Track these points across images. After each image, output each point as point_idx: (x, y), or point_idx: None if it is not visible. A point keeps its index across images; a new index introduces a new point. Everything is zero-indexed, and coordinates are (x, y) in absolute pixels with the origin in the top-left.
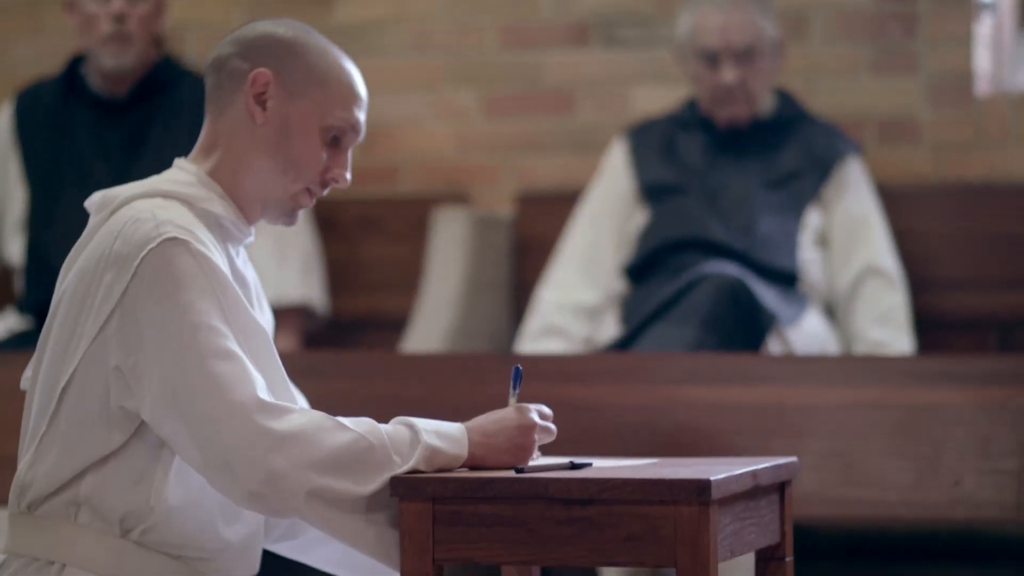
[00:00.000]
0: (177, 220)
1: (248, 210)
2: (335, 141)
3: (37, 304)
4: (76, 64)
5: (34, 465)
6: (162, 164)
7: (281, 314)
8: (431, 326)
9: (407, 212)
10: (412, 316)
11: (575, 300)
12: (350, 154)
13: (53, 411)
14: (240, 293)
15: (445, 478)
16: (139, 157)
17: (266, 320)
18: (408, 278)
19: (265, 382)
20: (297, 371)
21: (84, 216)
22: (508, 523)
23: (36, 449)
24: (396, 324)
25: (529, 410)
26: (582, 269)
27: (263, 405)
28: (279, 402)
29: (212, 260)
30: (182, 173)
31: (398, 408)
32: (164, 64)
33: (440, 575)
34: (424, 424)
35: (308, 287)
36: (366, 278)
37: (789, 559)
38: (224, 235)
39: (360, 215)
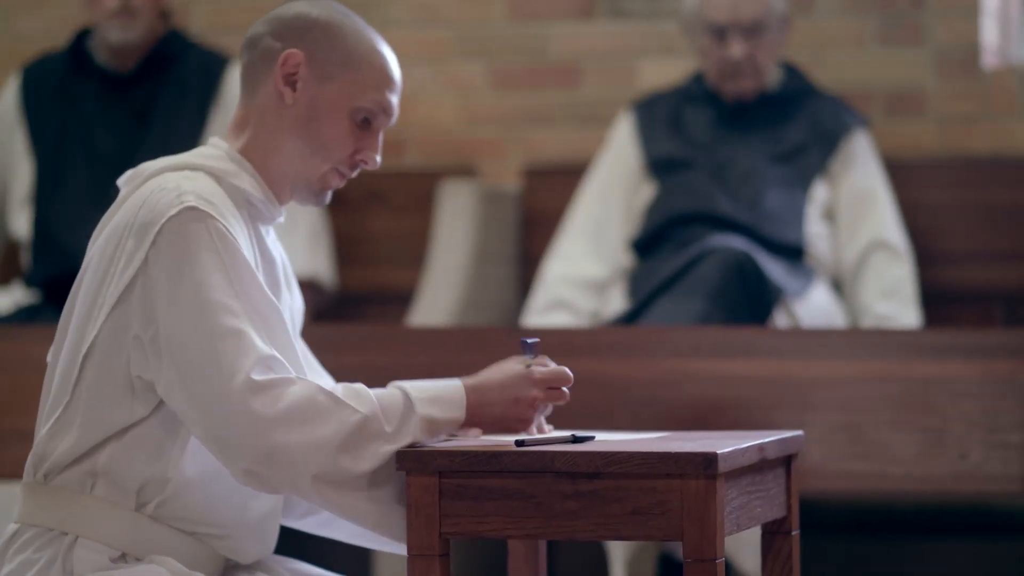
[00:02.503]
0: (201, 192)
1: (278, 190)
2: (366, 123)
3: (43, 278)
4: (82, 38)
5: (54, 436)
6: (169, 137)
7: None
8: (438, 299)
9: (414, 185)
10: (419, 289)
11: (582, 274)
12: (381, 136)
13: (75, 381)
14: (254, 270)
15: (452, 451)
16: (146, 131)
17: (294, 302)
18: (415, 251)
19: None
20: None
21: (90, 190)
22: (515, 497)
23: (57, 419)
24: (403, 298)
25: (533, 382)
26: (589, 243)
27: (257, 386)
28: (275, 377)
29: (228, 234)
30: (214, 149)
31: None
32: (171, 38)
33: (447, 549)
34: (419, 391)
35: (315, 261)
36: (373, 252)
37: (795, 532)
38: (253, 213)
39: (367, 188)
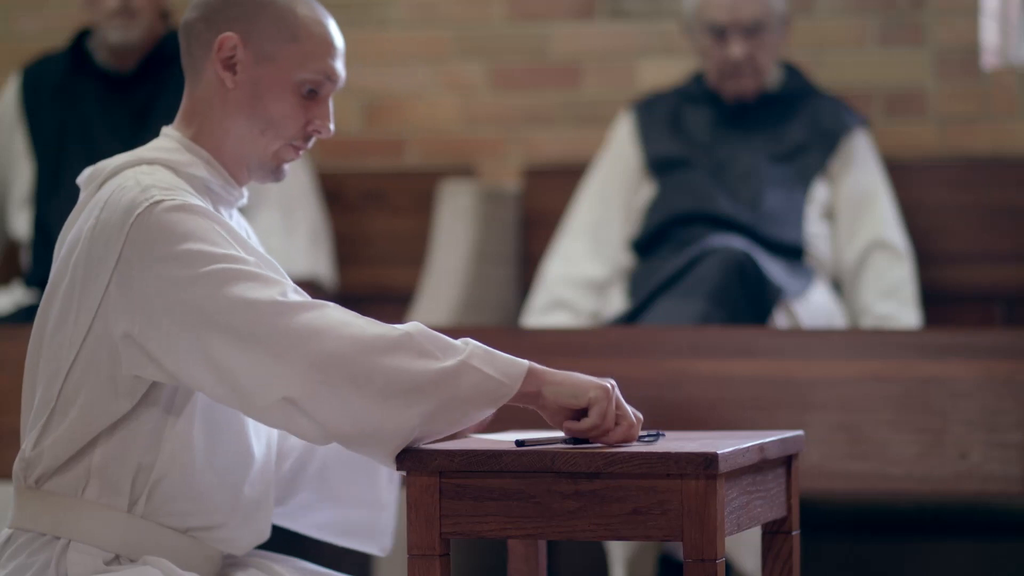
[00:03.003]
0: (161, 184)
1: (235, 172)
2: (312, 93)
3: (43, 278)
4: (82, 38)
5: (42, 442)
6: None
7: None
8: (437, 300)
9: (414, 185)
10: (418, 290)
11: (582, 274)
12: (331, 103)
13: (60, 387)
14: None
15: (452, 451)
16: (146, 131)
17: None
18: (415, 252)
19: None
20: None
21: None
22: (515, 497)
23: (44, 426)
24: (402, 298)
25: (607, 394)
26: (589, 243)
27: (297, 305)
28: (310, 300)
29: (202, 206)
30: (166, 140)
31: None
32: (171, 38)
33: (447, 549)
34: (481, 348)
35: (315, 261)
36: (372, 252)
37: (795, 533)
38: (213, 198)
39: (367, 189)
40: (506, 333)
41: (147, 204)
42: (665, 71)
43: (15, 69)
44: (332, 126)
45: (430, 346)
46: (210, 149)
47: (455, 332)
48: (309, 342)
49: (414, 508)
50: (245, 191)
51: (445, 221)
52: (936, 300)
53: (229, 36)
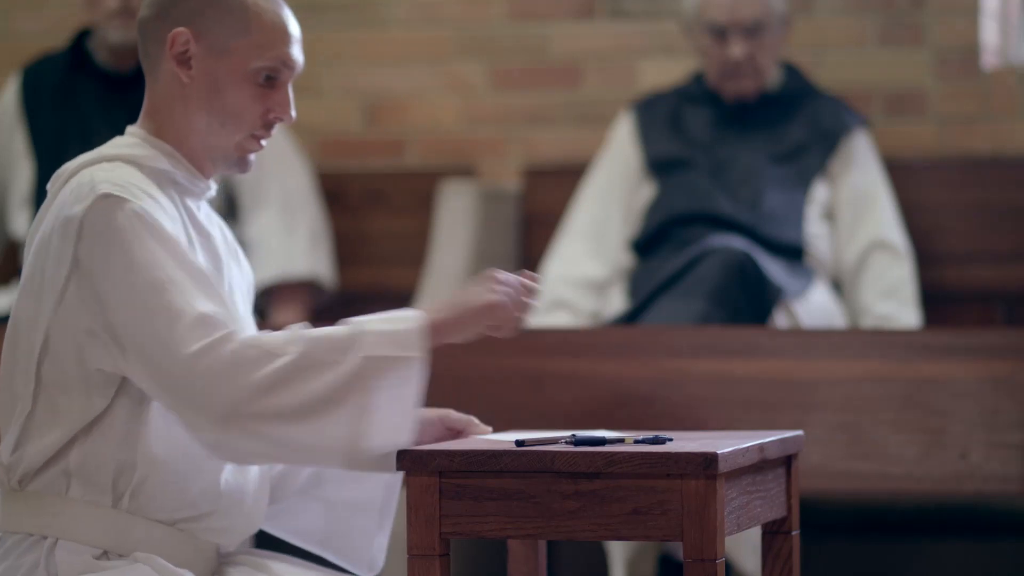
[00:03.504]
0: (115, 178)
1: (200, 165)
2: (269, 80)
3: None
4: (82, 38)
5: (22, 443)
6: None
7: (288, 288)
8: (438, 299)
9: (414, 185)
10: (419, 290)
11: (582, 274)
12: (290, 89)
13: (34, 388)
14: (179, 241)
15: (452, 451)
16: None
17: (244, 274)
18: (415, 252)
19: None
20: None
21: None
22: (515, 497)
23: (22, 427)
24: (403, 298)
25: (495, 290)
26: (589, 243)
27: (196, 355)
28: (210, 340)
29: (146, 212)
30: (129, 138)
31: None
32: None
33: (447, 549)
34: (371, 323)
35: (315, 261)
36: (373, 252)
37: (795, 533)
38: (179, 191)
39: (367, 188)
40: None
41: (94, 198)
42: (665, 71)
43: (15, 69)
44: (293, 112)
45: (324, 355)
46: (173, 143)
47: None
48: (214, 396)
49: (414, 508)
50: (213, 183)
51: (445, 221)
52: (936, 300)
53: (181, 32)
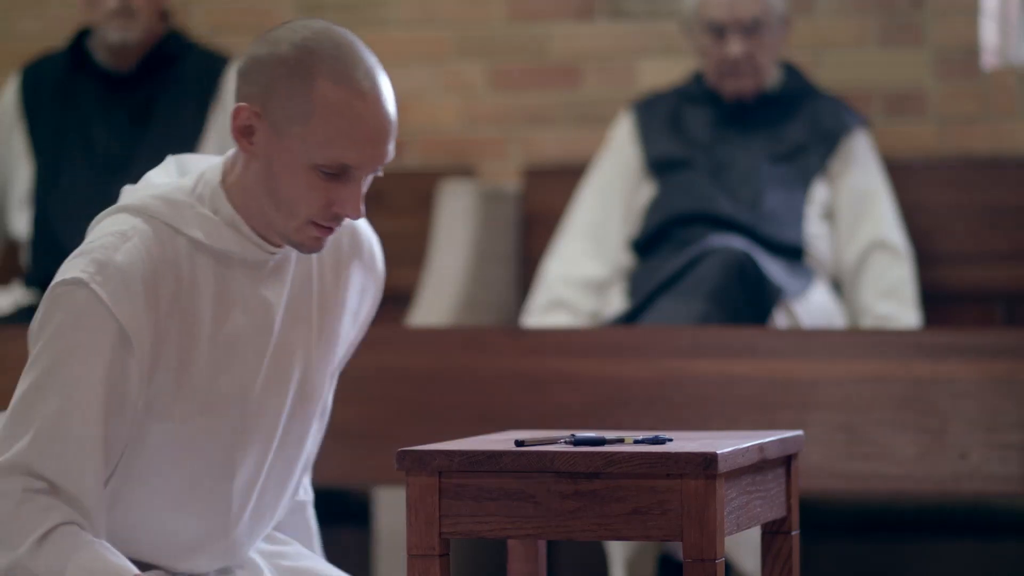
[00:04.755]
0: (116, 261)
1: (264, 232)
2: (336, 175)
3: (43, 278)
4: (82, 38)
5: None
6: (168, 138)
7: None
8: (437, 300)
9: (413, 185)
10: (418, 290)
11: (582, 274)
12: (365, 185)
13: None
14: (101, 382)
15: (452, 451)
16: (146, 131)
17: (331, 336)
18: (414, 252)
19: (63, 462)
20: None
21: (90, 190)
22: (514, 497)
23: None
24: (402, 298)
25: None
26: (589, 243)
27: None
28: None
29: (99, 329)
30: (203, 179)
31: (405, 381)
32: (170, 38)
33: (447, 549)
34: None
35: None
36: None
37: (795, 533)
38: (217, 255)
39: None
40: (506, 333)
41: (62, 279)
42: (665, 71)
43: (15, 69)
44: (363, 209)
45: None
46: (237, 205)
47: (455, 332)
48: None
49: (414, 508)
50: (287, 248)
51: (445, 221)
52: (936, 300)
53: (243, 107)
